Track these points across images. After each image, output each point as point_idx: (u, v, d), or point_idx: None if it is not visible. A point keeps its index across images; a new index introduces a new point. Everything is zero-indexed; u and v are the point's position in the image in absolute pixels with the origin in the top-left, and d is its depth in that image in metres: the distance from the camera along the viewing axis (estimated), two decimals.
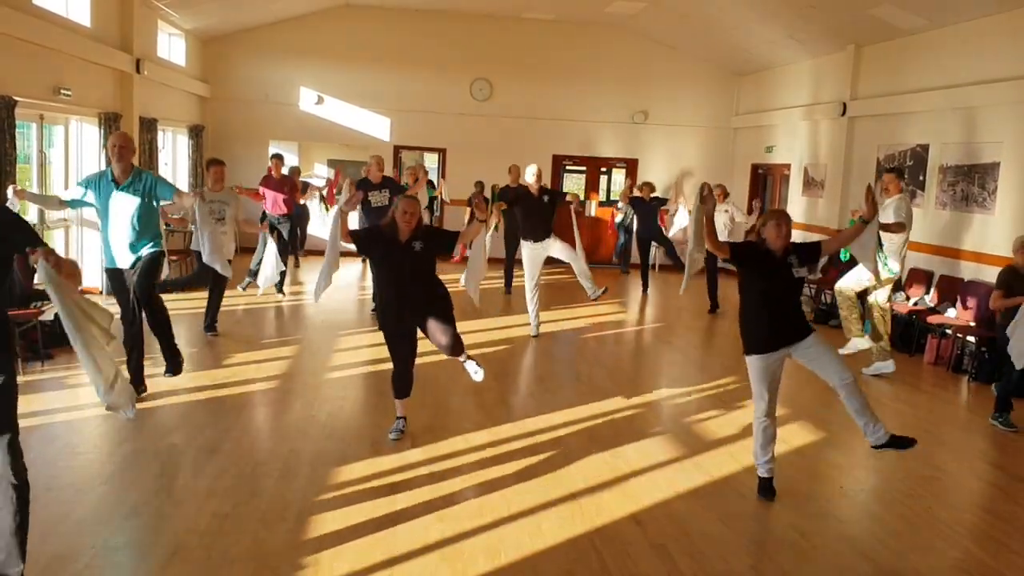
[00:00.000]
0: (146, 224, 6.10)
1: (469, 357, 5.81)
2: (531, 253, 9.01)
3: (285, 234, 10.72)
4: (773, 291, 4.93)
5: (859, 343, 8.22)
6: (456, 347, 5.59)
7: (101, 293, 9.82)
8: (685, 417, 6.56)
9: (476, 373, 5.82)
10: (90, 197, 6.06)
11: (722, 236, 10.81)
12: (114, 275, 6.21)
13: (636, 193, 13.05)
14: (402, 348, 5.61)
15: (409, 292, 5.48)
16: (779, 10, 11.56)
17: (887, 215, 7.75)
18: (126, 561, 3.92)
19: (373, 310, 9.95)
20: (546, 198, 8.89)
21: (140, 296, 6.11)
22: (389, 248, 5.45)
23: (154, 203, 6.17)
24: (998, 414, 6.70)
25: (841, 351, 8.07)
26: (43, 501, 4.41)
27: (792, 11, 11.39)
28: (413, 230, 5.42)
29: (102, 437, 5.58)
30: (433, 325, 5.51)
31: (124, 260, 6.11)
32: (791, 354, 4.94)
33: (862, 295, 8.20)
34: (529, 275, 9.07)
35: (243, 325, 9.10)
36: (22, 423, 5.65)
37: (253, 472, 4.97)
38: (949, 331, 8.69)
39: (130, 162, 6.04)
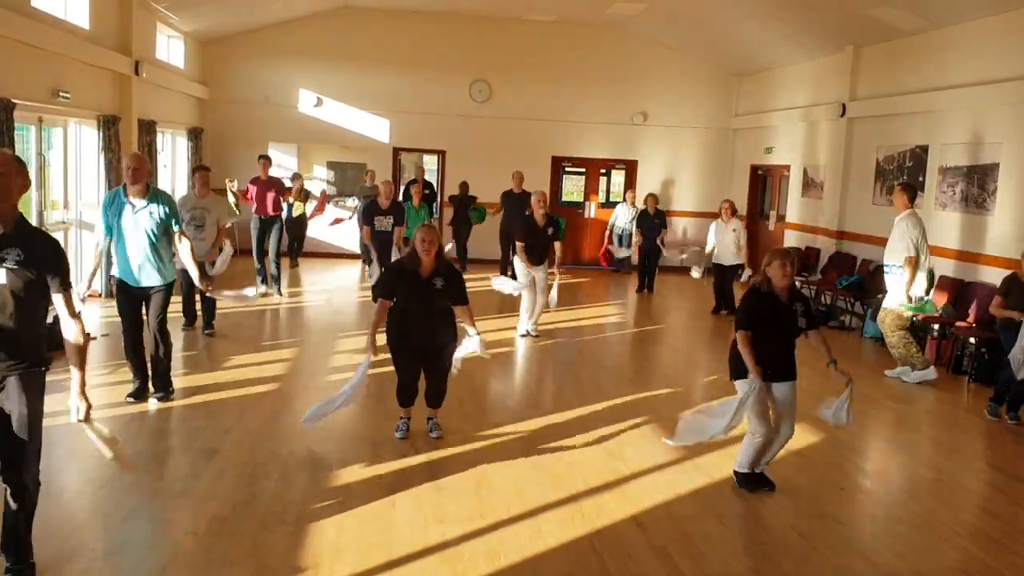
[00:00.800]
0: (160, 246, 6.11)
1: (436, 416, 5.86)
2: (523, 271, 9.03)
3: (275, 235, 10.71)
4: (774, 332, 4.94)
5: (928, 374, 7.98)
6: (439, 400, 5.79)
7: (100, 296, 9.81)
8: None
9: (433, 431, 5.78)
10: (111, 218, 6.09)
11: (733, 254, 10.90)
12: (124, 288, 6.17)
13: (641, 206, 13.35)
14: (409, 364, 5.67)
15: (425, 324, 5.53)
16: (778, 11, 11.56)
17: (894, 234, 7.88)
18: (125, 564, 3.90)
19: (373, 287, 9.93)
20: (550, 231, 9.00)
21: (155, 329, 6.23)
22: (411, 282, 5.49)
23: (168, 227, 6.16)
24: (992, 403, 6.90)
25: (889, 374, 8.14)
26: (41, 504, 4.38)
27: (791, 12, 11.39)
28: (435, 260, 5.46)
29: (100, 441, 5.56)
30: (430, 372, 5.70)
31: (134, 278, 6.08)
32: (771, 387, 5.01)
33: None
34: (524, 286, 9.05)
35: (242, 327, 9.09)
36: None
37: (252, 474, 4.97)
38: (949, 332, 8.68)
39: (146, 183, 6.05)
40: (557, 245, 9.16)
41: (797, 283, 12.08)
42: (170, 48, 13.21)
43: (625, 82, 15.59)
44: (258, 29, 14.78)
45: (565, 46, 15.38)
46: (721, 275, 11.13)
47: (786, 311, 4.94)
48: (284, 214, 11.37)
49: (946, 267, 9.47)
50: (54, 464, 5.00)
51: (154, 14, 11.86)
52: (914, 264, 7.71)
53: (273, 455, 5.30)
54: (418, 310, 5.52)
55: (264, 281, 10.84)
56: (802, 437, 6.15)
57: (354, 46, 15.07)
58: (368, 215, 10.01)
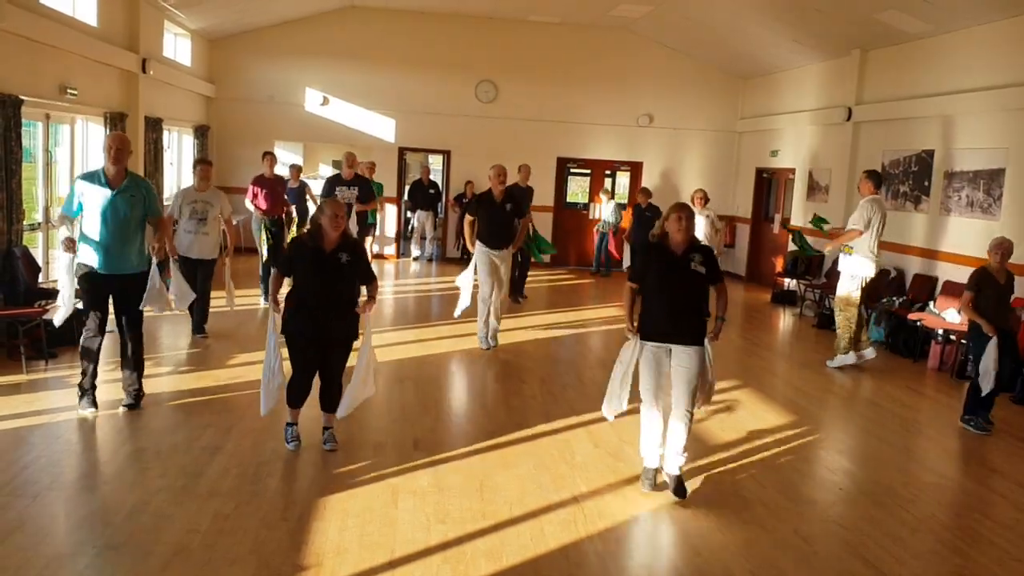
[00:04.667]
0: (138, 233, 5.84)
1: (332, 427, 5.47)
2: (484, 258, 8.35)
3: (278, 238, 10.17)
4: (669, 284, 4.89)
5: (848, 359, 8.51)
6: (333, 403, 5.39)
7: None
8: None
9: (327, 443, 5.40)
10: (85, 199, 5.72)
11: (708, 240, 10.94)
12: (95, 279, 5.75)
13: (637, 200, 13.19)
14: (307, 357, 5.32)
15: (323, 303, 5.19)
16: (785, 14, 11.55)
17: (853, 215, 8.42)
18: (127, 561, 3.91)
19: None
20: (508, 207, 8.34)
21: (131, 325, 5.88)
22: (315, 256, 5.15)
23: (147, 213, 5.86)
24: (968, 416, 6.79)
25: (830, 364, 8.54)
26: (45, 500, 4.43)
27: (797, 15, 11.38)
28: (339, 237, 5.17)
29: (105, 436, 5.59)
30: (330, 363, 5.31)
31: (111, 266, 5.73)
32: (671, 352, 4.92)
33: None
34: (482, 280, 8.37)
35: (246, 325, 9.10)
36: (25, 421, 5.69)
37: (255, 472, 4.98)
38: (953, 337, 8.66)
39: (125, 165, 5.77)
40: (523, 223, 8.45)
41: (800, 285, 12.19)
42: (177, 46, 13.24)
43: (631, 84, 15.60)
44: (265, 28, 14.81)
45: (571, 47, 15.39)
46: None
47: (681, 265, 4.87)
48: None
49: (952, 272, 9.45)
50: (56, 459, 5.02)
51: (161, 12, 11.90)
52: (852, 235, 8.25)
53: (276, 453, 5.31)
54: (317, 286, 5.14)
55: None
56: (803, 441, 6.16)
57: (360, 46, 15.10)
58: (330, 186, 9.86)
